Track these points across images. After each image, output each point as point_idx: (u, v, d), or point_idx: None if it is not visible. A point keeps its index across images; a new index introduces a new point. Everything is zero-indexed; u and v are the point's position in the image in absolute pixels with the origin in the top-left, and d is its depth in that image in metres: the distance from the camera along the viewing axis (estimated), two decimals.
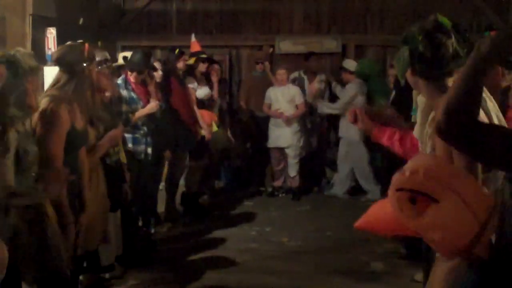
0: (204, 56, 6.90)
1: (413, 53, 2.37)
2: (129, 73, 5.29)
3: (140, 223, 5.55)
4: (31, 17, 5.59)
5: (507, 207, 1.89)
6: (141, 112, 5.18)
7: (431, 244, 2.18)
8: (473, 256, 2.00)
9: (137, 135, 5.21)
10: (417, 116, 2.58)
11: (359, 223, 2.48)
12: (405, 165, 2.18)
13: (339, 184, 7.73)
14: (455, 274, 2.06)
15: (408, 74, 2.44)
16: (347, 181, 7.69)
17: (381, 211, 2.35)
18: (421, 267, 4.14)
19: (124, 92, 5.14)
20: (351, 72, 7.38)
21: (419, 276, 4.46)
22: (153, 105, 5.24)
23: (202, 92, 6.73)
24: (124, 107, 5.09)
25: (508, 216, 1.85)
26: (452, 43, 2.35)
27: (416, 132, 2.56)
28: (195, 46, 6.96)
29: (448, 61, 2.34)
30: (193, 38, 7.04)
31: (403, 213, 2.10)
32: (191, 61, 6.66)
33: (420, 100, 2.59)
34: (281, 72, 7.52)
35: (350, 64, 7.49)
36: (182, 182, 6.69)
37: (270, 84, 7.73)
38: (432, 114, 2.42)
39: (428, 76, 2.38)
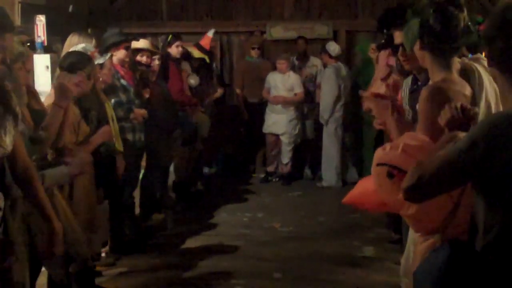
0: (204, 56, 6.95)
1: (423, 25, 2.32)
2: (113, 60, 5.15)
3: (137, 212, 5.58)
4: (19, 5, 5.53)
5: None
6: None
7: (408, 221, 2.21)
8: (448, 236, 2.03)
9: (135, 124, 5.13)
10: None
11: (346, 198, 2.50)
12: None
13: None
14: (431, 249, 2.09)
15: (416, 48, 2.41)
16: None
17: (368, 186, 2.36)
18: None
19: (116, 81, 5.03)
20: (330, 56, 7.43)
21: None
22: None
23: (192, 80, 6.74)
24: (123, 96, 4.98)
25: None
26: (464, 17, 2.30)
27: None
28: (206, 42, 7.07)
29: (458, 35, 2.30)
30: (210, 33, 7.21)
31: (382, 188, 2.12)
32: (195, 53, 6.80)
33: None
34: (281, 62, 7.55)
35: (332, 46, 7.51)
36: (172, 169, 6.70)
37: (265, 69, 7.76)
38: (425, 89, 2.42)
39: (436, 50, 2.34)
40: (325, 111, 7.43)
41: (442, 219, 2.02)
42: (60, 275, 3.03)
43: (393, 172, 2.07)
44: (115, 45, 4.95)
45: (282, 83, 7.54)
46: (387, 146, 2.16)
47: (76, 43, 4.22)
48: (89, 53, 3.90)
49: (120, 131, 4.61)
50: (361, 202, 2.49)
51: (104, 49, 4.78)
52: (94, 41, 4.47)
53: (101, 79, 4.33)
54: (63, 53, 4.18)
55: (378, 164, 2.13)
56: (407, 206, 2.05)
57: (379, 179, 2.12)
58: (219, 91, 7.62)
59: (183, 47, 6.51)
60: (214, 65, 7.80)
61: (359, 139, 7.66)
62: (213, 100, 7.48)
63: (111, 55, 4.68)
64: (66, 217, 2.92)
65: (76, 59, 3.64)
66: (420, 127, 2.30)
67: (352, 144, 7.74)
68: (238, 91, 8.15)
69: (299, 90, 7.58)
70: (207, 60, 7.03)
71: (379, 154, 2.15)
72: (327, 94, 7.40)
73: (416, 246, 2.32)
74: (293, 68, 7.92)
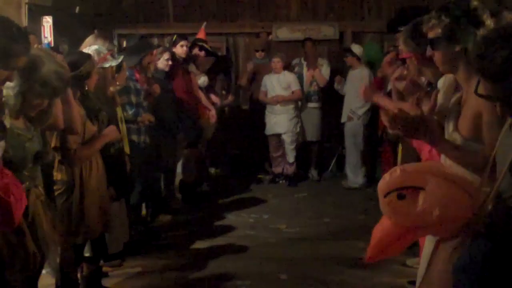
0: (202, 43, 6.89)
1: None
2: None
3: (143, 212, 5.59)
4: (26, 6, 5.56)
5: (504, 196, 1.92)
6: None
7: (431, 230, 2.19)
8: (474, 232, 2.04)
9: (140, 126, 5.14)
10: (439, 96, 2.56)
11: (369, 255, 2.47)
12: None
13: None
14: (461, 249, 2.08)
15: (448, 52, 2.33)
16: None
17: (381, 232, 2.36)
18: (413, 252, 4.20)
19: (130, 83, 5.00)
20: (358, 58, 7.37)
21: (410, 261, 4.51)
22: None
23: (200, 80, 6.74)
24: (134, 99, 5.00)
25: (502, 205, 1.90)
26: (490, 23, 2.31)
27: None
28: (201, 34, 7.11)
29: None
30: (203, 25, 7.34)
31: (398, 214, 2.13)
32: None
33: (442, 80, 2.59)
34: (275, 60, 7.56)
35: (357, 49, 7.48)
36: (179, 170, 6.71)
37: (270, 71, 7.77)
38: (457, 95, 2.39)
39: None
40: (360, 108, 7.30)
41: (464, 215, 2.03)
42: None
43: (403, 192, 2.09)
44: (147, 54, 5.29)
45: (278, 83, 7.58)
46: (386, 176, 2.19)
47: (91, 44, 4.24)
48: (101, 55, 3.93)
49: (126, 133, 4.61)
50: (384, 250, 2.45)
51: (139, 59, 5.18)
52: (116, 43, 4.49)
53: (118, 82, 4.34)
54: None
55: (385, 196, 2.15)
56: (429, 212, 2.05)
57: (392, 207, 2.14)
58: (230, 99, 7.64)
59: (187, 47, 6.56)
60: (232, 74, 7.88)
61: (373, 142, 7.62)
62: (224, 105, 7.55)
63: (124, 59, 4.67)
64: (41, 227, 2.90)
65: (74, 58, 3.67)
66: (487, 134, 2.18)
67: (366, 146, 7.68)
68: (243, 91, 8.18)
69: (296, 87, 7.60)
70: (206, 46, 6.96)
71: (382, 186, 2.18)
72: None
73: (437, 249, 2.30)
74: (299, 68, 7.92)
